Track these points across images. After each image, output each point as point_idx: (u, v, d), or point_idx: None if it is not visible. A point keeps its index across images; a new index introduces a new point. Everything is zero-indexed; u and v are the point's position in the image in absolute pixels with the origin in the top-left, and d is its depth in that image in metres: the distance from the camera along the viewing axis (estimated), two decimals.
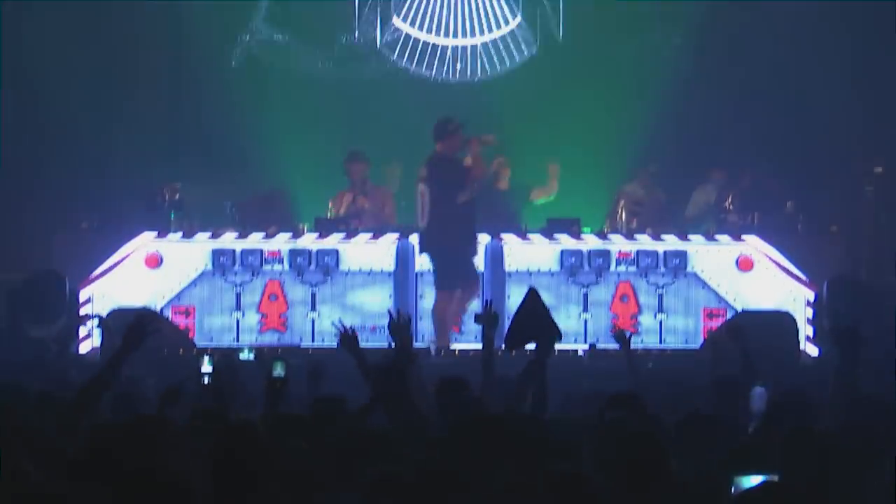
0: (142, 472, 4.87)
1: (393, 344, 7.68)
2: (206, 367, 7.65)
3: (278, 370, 7.15)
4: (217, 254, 13.98)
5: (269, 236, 14.09)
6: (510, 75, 17.05)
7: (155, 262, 13.99)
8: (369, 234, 14.16)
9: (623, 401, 7.63)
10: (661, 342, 13.89)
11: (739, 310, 13.81)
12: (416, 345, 13.25)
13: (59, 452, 5.82)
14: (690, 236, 14.27)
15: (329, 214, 14.69)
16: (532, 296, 8.09)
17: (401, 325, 7.63)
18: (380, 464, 5.57)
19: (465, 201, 13.20)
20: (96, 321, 13.11)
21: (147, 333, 7.01)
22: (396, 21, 17.11)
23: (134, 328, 7.00)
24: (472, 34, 17.18)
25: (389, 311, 8.18)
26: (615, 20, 16.88)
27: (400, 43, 17.10)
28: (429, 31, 17.16)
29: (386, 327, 7.85)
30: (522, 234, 14.16)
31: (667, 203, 15.73)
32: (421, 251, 13.70)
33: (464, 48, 17.16)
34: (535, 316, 7.95)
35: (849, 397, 7.95)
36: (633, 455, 5.52)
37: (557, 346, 13.42)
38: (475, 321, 9.00)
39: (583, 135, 16.47)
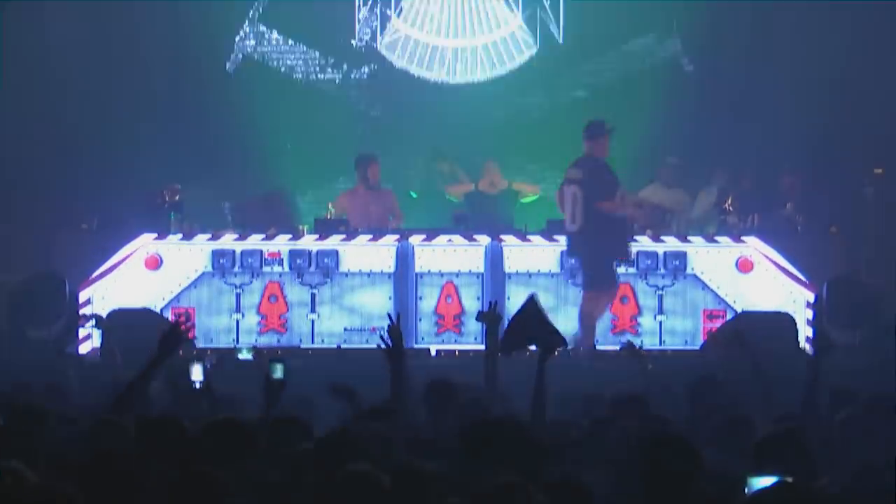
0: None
1: (390, 345, 7.67)
2: (197, 375, 7.58)
3: (277, 373, 7.12)
4: (217, 255, 13.98)
5: (268, 238, 14.08)
6: (508, 76, 17.05)
7: (154, 263, 13.98)
8: (369, 235, 14.15)
9: (626, 403, 7.64)
10: (660, 343, 13.87)
11: (739, 311, 13.79)
12: (416, 345, 13.32)
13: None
14: (690, 238, 14.25)
15: (329, 215, 14.66)
16: (531, 302, 8.05)
17: (395, 328, 7.63)
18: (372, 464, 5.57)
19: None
20: (94, 321, 13.10)
21: (183, 339, 6.97)
22: (396, 22, 17.11)
23: (170, 334, 6.96)
24: (472, 35, 17.18)
25: (389, 315, 8.18)
26: (615, 20, 16.88)
27: (400, 44, 17.11)
28: (428, 32, 17.16)
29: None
30: (522, 236, 14.15)
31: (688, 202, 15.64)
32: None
33: (463, 49, 17.16)
34: (532, 321, 7.90)
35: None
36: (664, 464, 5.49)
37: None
38: (476, 319, 9.02)
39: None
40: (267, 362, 7.26)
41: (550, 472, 5.52)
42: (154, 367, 6.94)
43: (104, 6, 16.27)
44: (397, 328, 7.61)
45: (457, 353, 13.44)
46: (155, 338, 7.08)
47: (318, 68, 17.16)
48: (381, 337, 7.57)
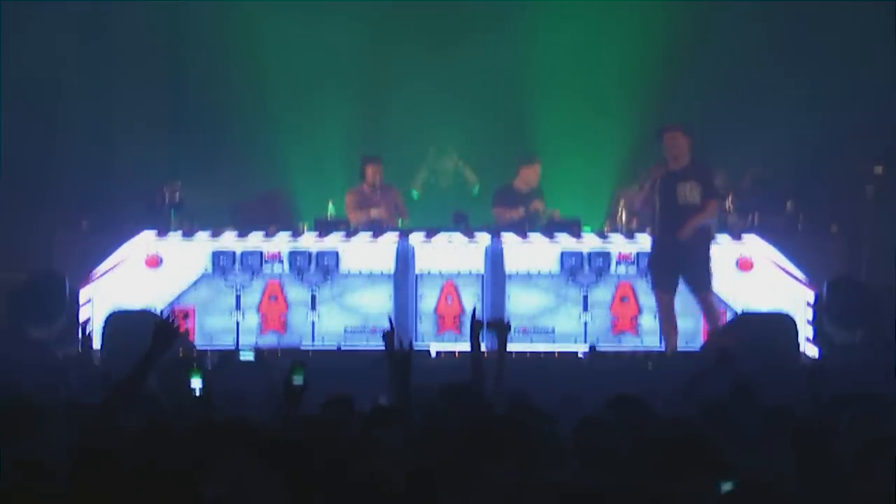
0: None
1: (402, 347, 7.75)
2: (196, 383, 7.52)
3: (297, 378, 7.09)
4: (217, 255, 13.97)
5: (269, 235, 14.08)
6: (508, 75, 17.03)
7: (155, 262, 13.98)
8: (369, 235, 14.16)
9: (624, 403, 7.66)
10: (661, 344, 13.86)
11: (739, 311, 13.79)
12: (416, 346, 13.31)
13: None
14: None
15: (329, 215, 14.66)
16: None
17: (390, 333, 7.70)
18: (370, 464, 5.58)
19: None
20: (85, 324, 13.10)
21: (176, 334, 6.92)
22: None
23: (162, 329, 6.91)
24: None
25: (390, 318, 8.25)
26: (614, 19, 16.89)
27: None
28: None
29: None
30: (522, 235, 14.16)
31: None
32: None
33: None
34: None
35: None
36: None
37: (558, 348, 13.54)
38: (487, 328, 9.16)
39: (582, 135, 16.49)
40: (272, 365, 7.27)
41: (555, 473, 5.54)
42: (147, 365, 6.86)
43: (104, 6, 16.27)
44: (388, 333, 7.66)
45: (457, 353, 13.43)
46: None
47: (317, 67, 17.13)
48: (400, 337, 7.64)
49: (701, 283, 13.35)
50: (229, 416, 6.94)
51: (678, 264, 13.30)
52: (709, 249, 13.38)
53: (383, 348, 7.82)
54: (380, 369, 8.36)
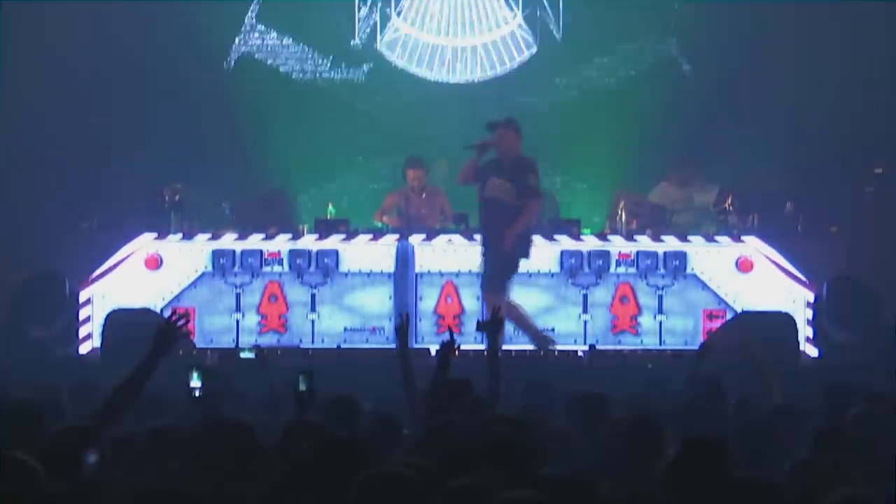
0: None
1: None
2: (196, 382, 7.47)
3: (302, 385, 7.08)
4: (217, 255, 13.97)
5: (269, 237, 14.08)
6: (507, 76, 17.06)
7: (155, 263, 13.98)
8: (369, 235, 14.16)
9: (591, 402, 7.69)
10: (660, 343, 13.87)
11: (739, 311, 13.80)
12: (417, 345, 13.32)
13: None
14: (690, 237, 14.25)
15: (329, 215, 14.66)
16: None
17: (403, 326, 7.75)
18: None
19: None
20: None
21: (179, 336, 6.89)
22: (396, 21, 17.12)
23: (164, 331, 6.88)
24: (472, 34, 17.20)
25: (406, 314, 8.30)
26: (615, 21, 16.91)
27: (399, 43, 17.12)
28: (428, 31, 17.18)
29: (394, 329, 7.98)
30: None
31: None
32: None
33: (463, 48, 17.17)
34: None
35: None
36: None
37: (558, 347, 13.54)
38: (477, 329, 9.17)
39: (581, 135, 16.50)
40: (273, 365, 7.28)
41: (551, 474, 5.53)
42: (150, 367, 6.85)
43: (104, 6, 16.27)
44: (402, 326, 7.71)
45: (457, 353, 13.39)
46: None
47: (317, 68, 17.16)
48: (450, 331, 7.71)
49: (483, 280, 13.26)
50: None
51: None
52: (507, 248, 12.96)
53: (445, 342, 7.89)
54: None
